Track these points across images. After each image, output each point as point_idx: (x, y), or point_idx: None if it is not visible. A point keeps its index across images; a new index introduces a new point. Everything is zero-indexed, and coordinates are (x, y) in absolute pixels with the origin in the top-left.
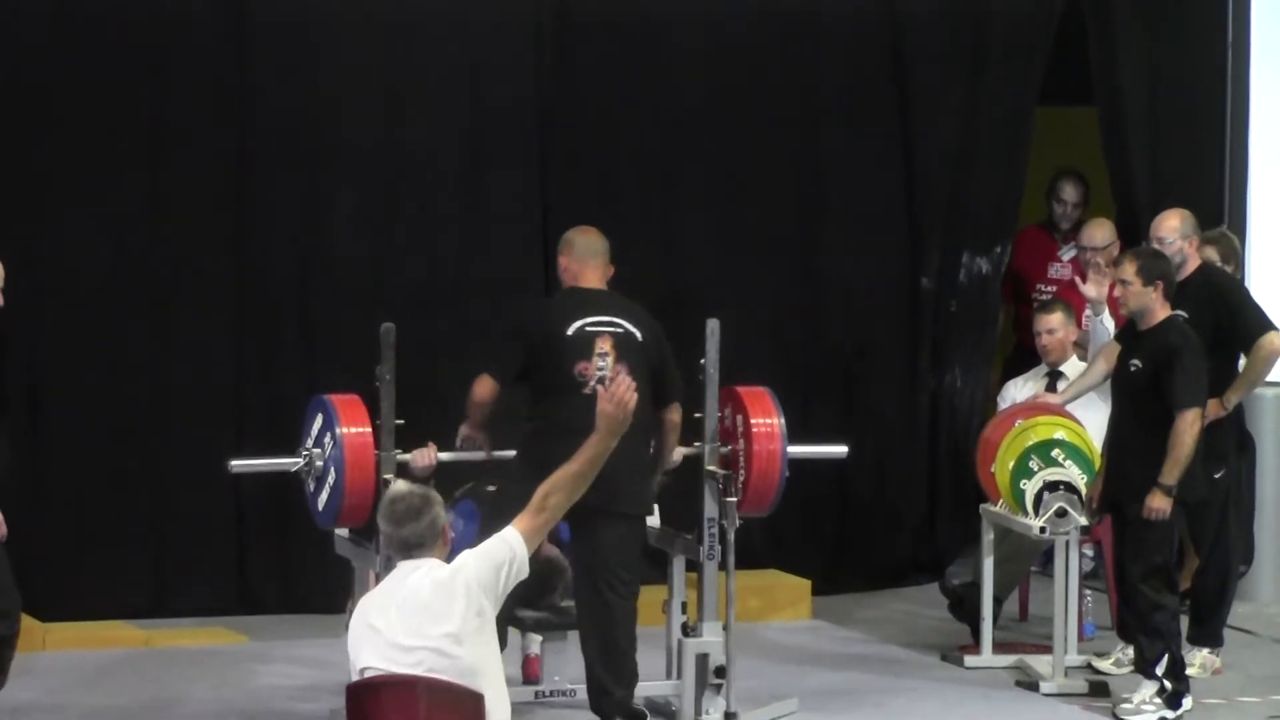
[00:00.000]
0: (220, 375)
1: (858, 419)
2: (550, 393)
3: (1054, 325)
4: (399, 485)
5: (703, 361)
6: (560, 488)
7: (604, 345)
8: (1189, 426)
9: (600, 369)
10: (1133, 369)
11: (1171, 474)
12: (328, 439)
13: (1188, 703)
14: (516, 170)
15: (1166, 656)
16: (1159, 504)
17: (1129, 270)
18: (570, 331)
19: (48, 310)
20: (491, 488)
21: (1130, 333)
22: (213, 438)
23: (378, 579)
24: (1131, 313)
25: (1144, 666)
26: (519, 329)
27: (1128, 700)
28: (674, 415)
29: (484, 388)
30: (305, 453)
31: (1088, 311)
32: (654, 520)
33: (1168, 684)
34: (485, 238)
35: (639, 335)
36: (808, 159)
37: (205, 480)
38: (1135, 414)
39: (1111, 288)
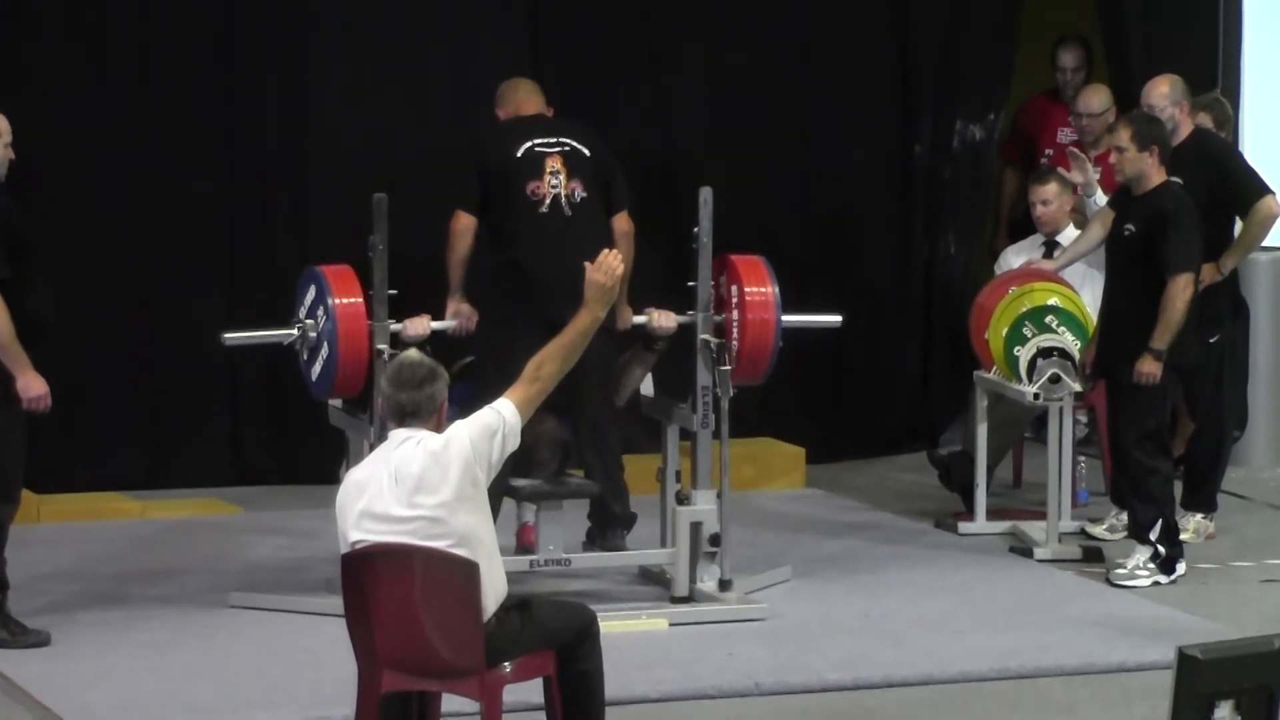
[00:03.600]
0: (212, 248)
1: (851, 287)
2: (508, 219)
3: (1048, 196)
4: (413, 353)
5: (696, 230)
6: (552, 358)
7: (554, 164)
8: (1181, 291)
9: (553, 186)
10: (1126, 234)
11: (1163, 338)
12: (320, 311)
13: (1181, 567)
14: (507, 38)
15: (1160, 521)
16: (1149, 368)
17: (1124, 136)
18: (519, 153)
19: (37, 185)
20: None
21: (1124, 197)
22: (206, 310)
23: (371, 449)
24: (1127, 178)
25: (1137, 531)
26: (474, 157)
27: (1121, 565)
28: (623, 224)
29: (460, 224)
30: (298, 324)
31: (1080, 190)
32: (648, 389)
33: (1161, 549)
34: (476, 107)
35: (586, 151)
36: (800, 25)
37: (199, 352)
38: (1128, 279)
39: (1105, 155)
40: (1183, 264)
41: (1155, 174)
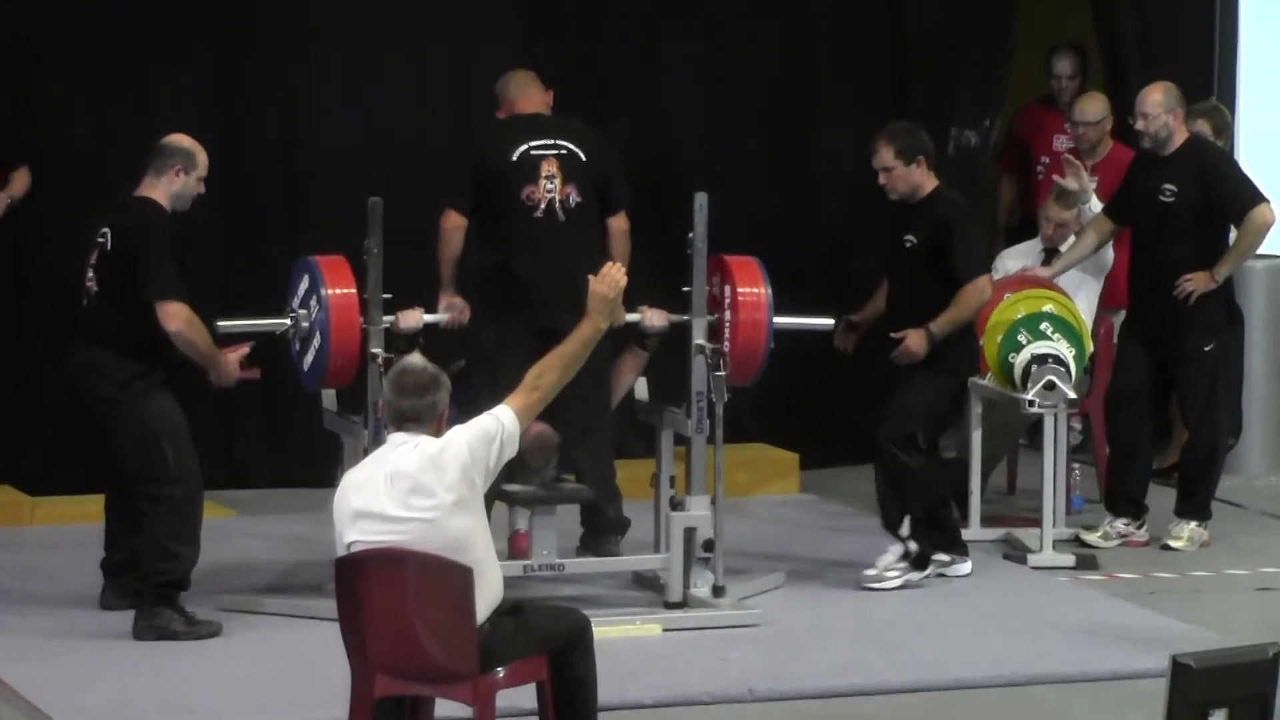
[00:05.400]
0: (207, 248)
1: (846, 291)
2: (501, 222)
3: (1066, 220)
4: (415, 358)
5: (691, 235)
6: (553, 367)
7: (550, 168)
8: (979, 290)
9: (549, 191)
10: (908, 245)
11: (943, 326)
12: (313, 300)
13: (936, 564)
14: (504, 41)
15: (909, 519)
16: (916, 345)
17: (887, 156)
18: (515, 157)
19: (33, 180)
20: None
21: (901, 209)
22: (200, 310)
23: (366, 453)
24: (901, 195)
25: (889, 527)
26: (468, 156)
27: (872, 567)
28: (620, 223)
29: (450, 223)
30: (291, 314)
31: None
32: (642, 393)
33: (911, 546)
34: (472, 110)
35: (582, 155)
36: (795, 29)
37: None
38: (912, 288)
39: (1101, 163)
40: (975, 268)
41: (928, 182)
